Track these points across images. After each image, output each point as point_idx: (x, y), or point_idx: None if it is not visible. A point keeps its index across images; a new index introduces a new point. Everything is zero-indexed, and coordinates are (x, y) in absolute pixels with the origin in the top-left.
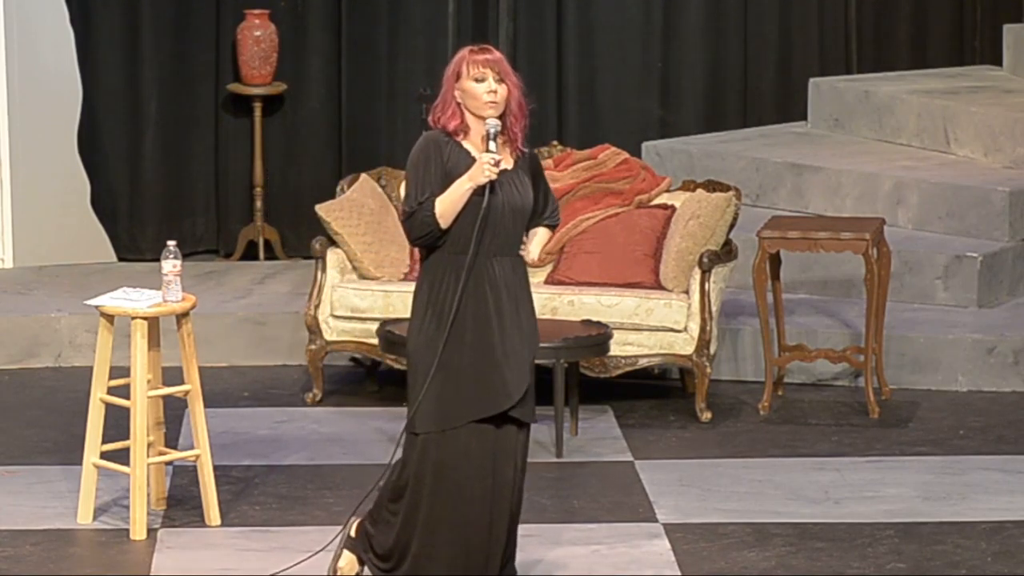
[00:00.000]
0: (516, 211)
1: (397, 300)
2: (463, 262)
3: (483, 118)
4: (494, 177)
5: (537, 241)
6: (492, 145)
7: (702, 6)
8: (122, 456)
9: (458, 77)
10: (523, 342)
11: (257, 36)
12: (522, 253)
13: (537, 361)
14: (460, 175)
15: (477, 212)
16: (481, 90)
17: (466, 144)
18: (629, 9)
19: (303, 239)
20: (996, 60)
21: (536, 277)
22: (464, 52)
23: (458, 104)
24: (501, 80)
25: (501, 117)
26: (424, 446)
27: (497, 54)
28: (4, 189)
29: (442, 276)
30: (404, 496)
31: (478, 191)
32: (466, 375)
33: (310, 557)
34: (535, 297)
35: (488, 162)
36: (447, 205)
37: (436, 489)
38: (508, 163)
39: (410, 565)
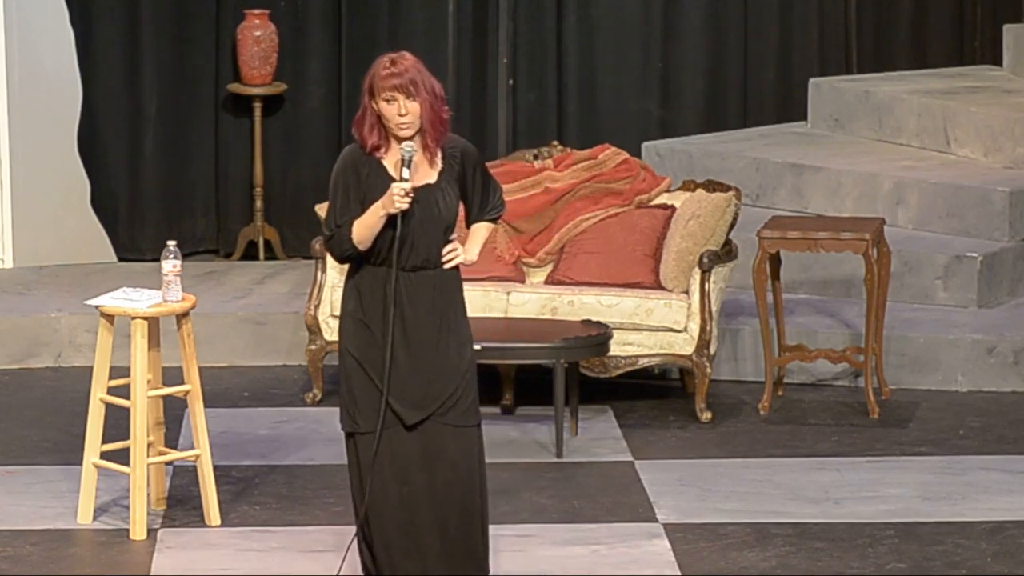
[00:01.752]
0: (436, 226)
1: None
2: (382, 273)
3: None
4: (405, 207)
5: (476, 240)
6: (406, 172)
7: (702, 6)
8: (122, 456)
9: (372, 93)
10: (444, 356)
11: (257, 36)
12: (453, 256)
13: (537, 361)
14: (377, 196)
15: (395, 228)
16: (391, 112)
17: (385, 161)
18: (629, 9)
19: (303, 239)
20: (996, 60)
21: (536, 277)
22: (377, 66)
23: (378, 117)
24: (412, 98)
25: (419, 130)
26: (350, 444)
27: (405, 66)
28: (4, 189)
29: (364, 284)
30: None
31: (392, 217)
32: (373, 386)
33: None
34: (535, 297)
35: (398, 193)
36: (362, 230)
37: (362, 487)
38: (431, 176)
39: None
